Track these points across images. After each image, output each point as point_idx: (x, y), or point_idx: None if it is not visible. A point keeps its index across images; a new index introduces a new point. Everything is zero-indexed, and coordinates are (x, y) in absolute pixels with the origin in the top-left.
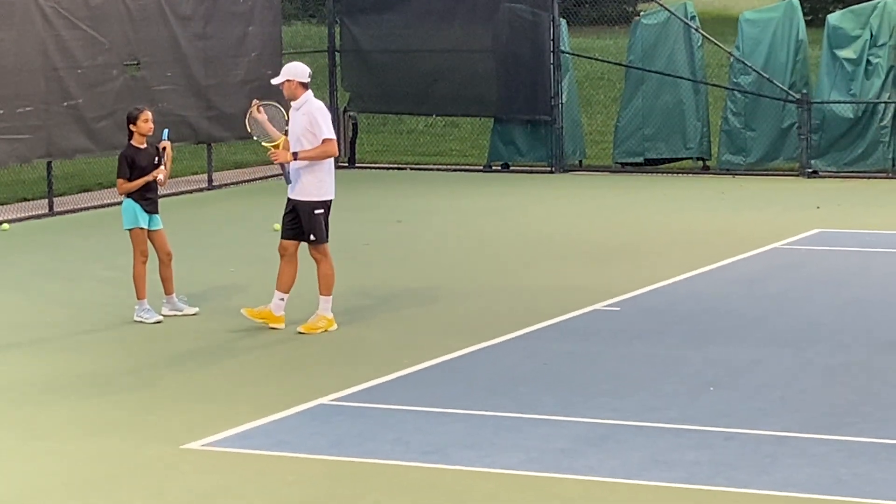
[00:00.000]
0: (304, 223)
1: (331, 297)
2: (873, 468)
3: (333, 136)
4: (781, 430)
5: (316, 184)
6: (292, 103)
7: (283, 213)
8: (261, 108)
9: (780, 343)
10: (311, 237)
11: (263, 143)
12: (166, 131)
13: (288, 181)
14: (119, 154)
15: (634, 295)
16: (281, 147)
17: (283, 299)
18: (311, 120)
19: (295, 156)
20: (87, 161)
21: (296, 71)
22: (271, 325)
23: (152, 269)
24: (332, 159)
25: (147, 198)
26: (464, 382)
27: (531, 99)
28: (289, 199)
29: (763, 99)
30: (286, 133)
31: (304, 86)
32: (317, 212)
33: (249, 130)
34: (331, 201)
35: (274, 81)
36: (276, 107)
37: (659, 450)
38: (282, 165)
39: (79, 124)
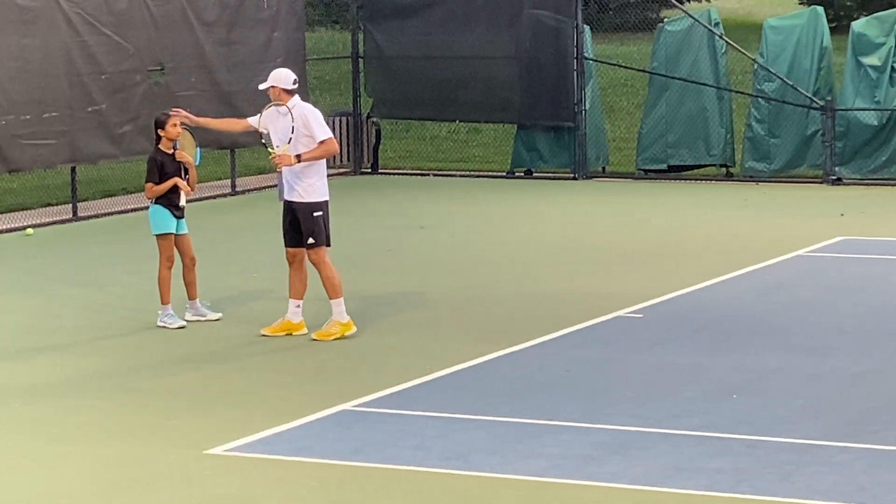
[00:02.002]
0: (303, 226)
1: (341, 299)
2: None
3: (331, 135)
4: (804, 438)
5: (313, 185)
6: (276, 108)
7: (282, 221)
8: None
9: (803, 350)
10: (310, 240)
11: (269, 149)
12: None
13: (281, 197)
14: (148, 158)
15: (657, 302)
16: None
17: (298, 306)
18: (305, 123)
19: (298, 158)
20: (111, 166)
21: (279, 77)
22: (294, 334)
23: (175, 274)
24: (324, 161)
25: (176, 203)
26: (486, 389)
27: (554, 105)
28: (287, 205)
29: (787, 106)
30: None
31: (289, 93)
32: (315, 214)
33: (258, 129)
34: (328, 202)
35: (261, 87)
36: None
37: (681, 457)
38: (280, 176)
39: (103, 130)
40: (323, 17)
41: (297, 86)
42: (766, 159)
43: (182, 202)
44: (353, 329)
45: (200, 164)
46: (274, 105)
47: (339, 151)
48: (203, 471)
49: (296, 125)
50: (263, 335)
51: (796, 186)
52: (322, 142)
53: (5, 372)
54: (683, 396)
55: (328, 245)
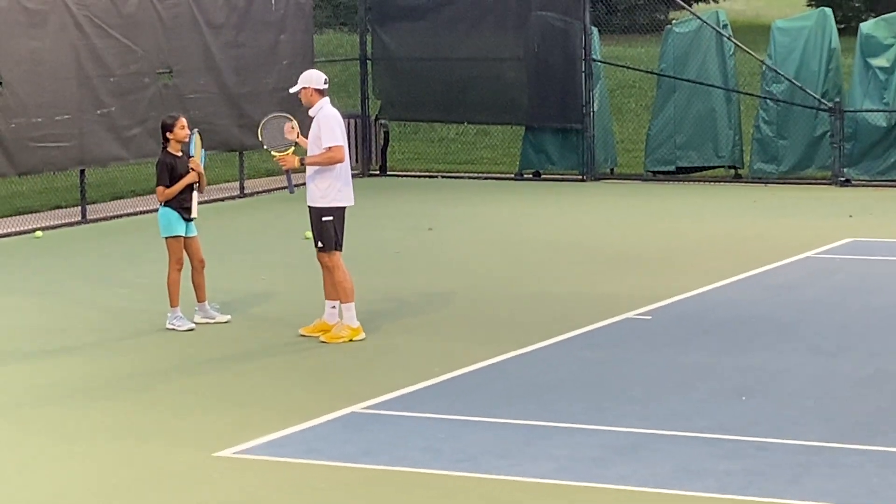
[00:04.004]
0: (314, 229)
1: (352, 304)
2: None
3: (338, 143)
4: (814, 440)
5: (324, 190)
6: (310, 111)
7: None
8: (294, 126)
9: (813, 351)
10: (319, 244)
11: (272, 153)
12: (192, 144)
13: (291, 191)
14: (157, 161)
15: (666, 303)
16: (290, 154)
17: (333, 307)
18: (319, 127)
19: (302, 162)
20: (120, 169)
21: (310, 78)
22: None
23: (184, 277)
24: (346, 167)
25: (185, 206)
26: (495, 390)
27: (562, 107)
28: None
29: (795, 107)
30: (295, 144)
31: (320, 92)
32: (324, 218)
33: (260, 139)
34: (343, 209)
35: (292, 90)
36: (287, 117)
37: (690, 459)
38: (287, 174)
39: (111, 132)
40: (331, 18)
41: (327, 85)
42: (774, 161)
43: (194, 213)
44: (362, 335)
45: (208, 166)
46: (273, 117)
47: (343, 160)
48: (211, 473)
49: (313, 129)
50: (301, 335)
51: (805, 188)
52: (328, 148)
53: (16, 373)
54: (692, 398)
55: (339, 250)
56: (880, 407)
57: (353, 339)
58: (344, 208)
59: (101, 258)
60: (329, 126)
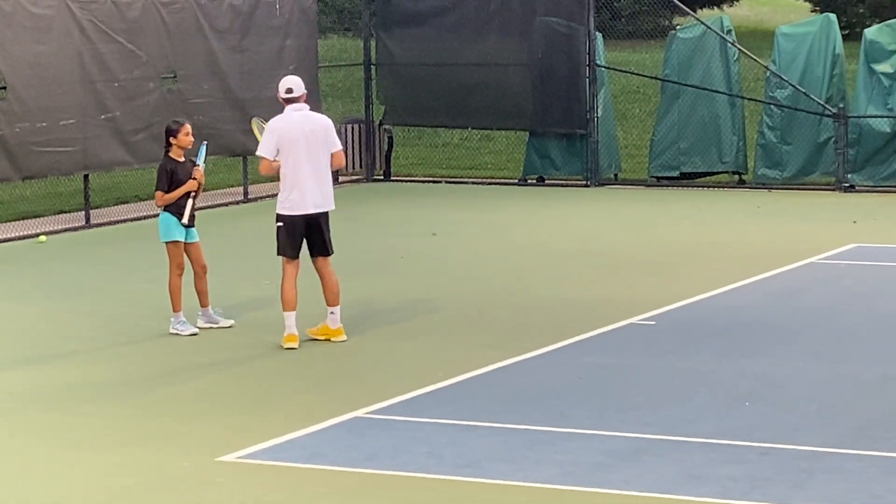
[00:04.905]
0: None
1: (286, 313)
2: None
3: (262, 154)
4: (817, 445)
5: (280, 196)
6: (259, 122)
7: None
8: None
9: (816, 357)
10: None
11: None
12: (202, 154)
13: None
14: (158, 166)
15: (670, 309)
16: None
17: (333, 313)
18: None
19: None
20: (124, 173)
21: (278, 86)
22: (332, 339)
23: (187, 282)
24: (298, 176)
25: (182, 212)
26: (498, 396)
27: (567, 112)
28: None
29: (799, 113)
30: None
31: (286, 101)
32: (277, 223)
33: (257, 135)
34: (290, 218)
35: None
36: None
37: (693, 464)
38: None
39: (116, 137)
40: (335, 24)
41: (289, 94)
42: (778, 166)
43: (185, 219)
44: (293, 344)
45: (211, 172)
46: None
47: (264, 171)
48: (215, 477)
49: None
50: (312, 337)
51: (809, 193)
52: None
53: (20, 378)
54: (696, 403)
55: (288, 256)
56: (883, 412)
57: (284, 345)
58: (293, 217)
59: (104, 263)
60: (264, 135)
